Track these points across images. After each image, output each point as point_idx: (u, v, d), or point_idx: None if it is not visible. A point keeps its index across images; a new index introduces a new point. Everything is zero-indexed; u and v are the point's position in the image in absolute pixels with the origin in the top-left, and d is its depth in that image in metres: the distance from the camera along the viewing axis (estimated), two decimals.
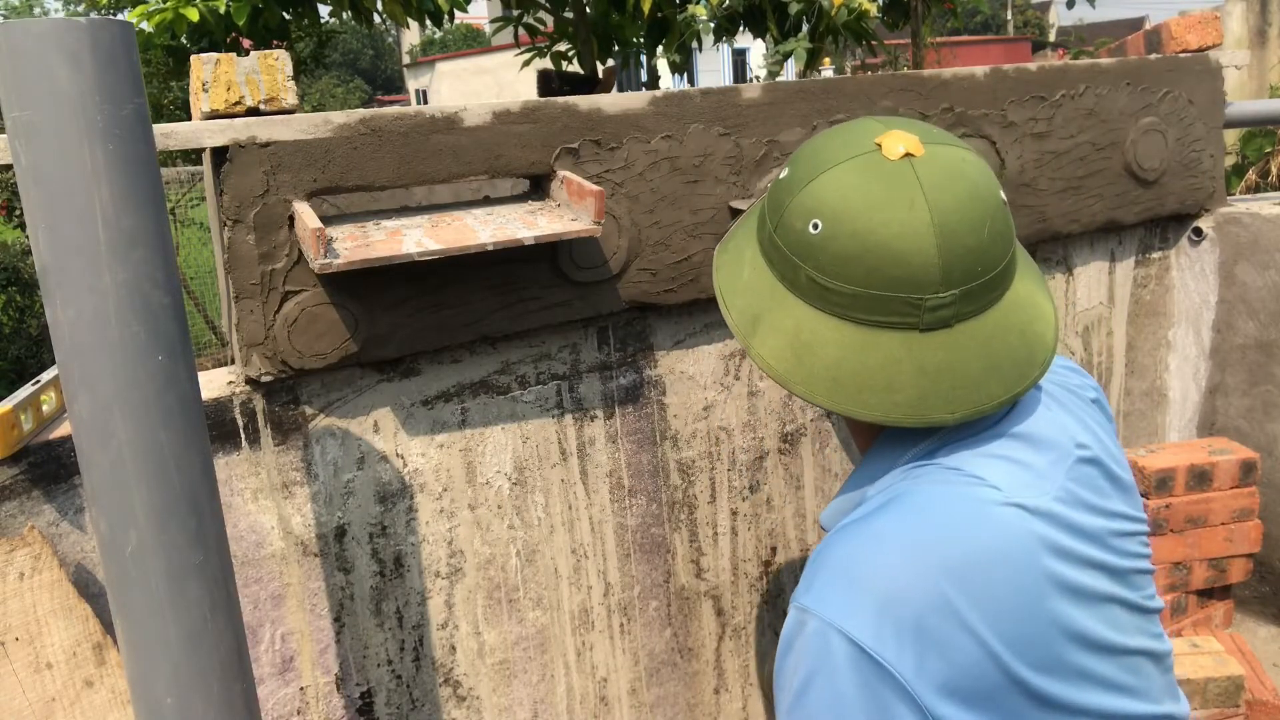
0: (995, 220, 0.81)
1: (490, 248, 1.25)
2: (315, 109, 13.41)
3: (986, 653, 0.72)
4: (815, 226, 0.81)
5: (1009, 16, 33.29)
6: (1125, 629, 0.81)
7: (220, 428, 1.31)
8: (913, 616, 0.71)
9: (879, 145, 0.81)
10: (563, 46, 5.96)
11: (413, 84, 27.67)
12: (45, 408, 1.24)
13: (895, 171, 0.80)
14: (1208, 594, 2.11)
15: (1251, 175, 5.29)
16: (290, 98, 1.28)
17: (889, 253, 0.78)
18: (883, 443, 0.88)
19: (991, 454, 0.82)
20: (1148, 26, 2.38)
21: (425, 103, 24.54)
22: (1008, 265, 0.83)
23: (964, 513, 0.77)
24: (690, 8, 5.20)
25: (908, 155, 0.80)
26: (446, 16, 5.32)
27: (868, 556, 0.76)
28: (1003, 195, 0.83)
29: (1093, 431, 0.89)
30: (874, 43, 5.85)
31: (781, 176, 0.88)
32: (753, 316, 0.87)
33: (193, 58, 1.24)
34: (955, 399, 0.80)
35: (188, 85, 1.45)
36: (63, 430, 1.23)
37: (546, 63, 6.04)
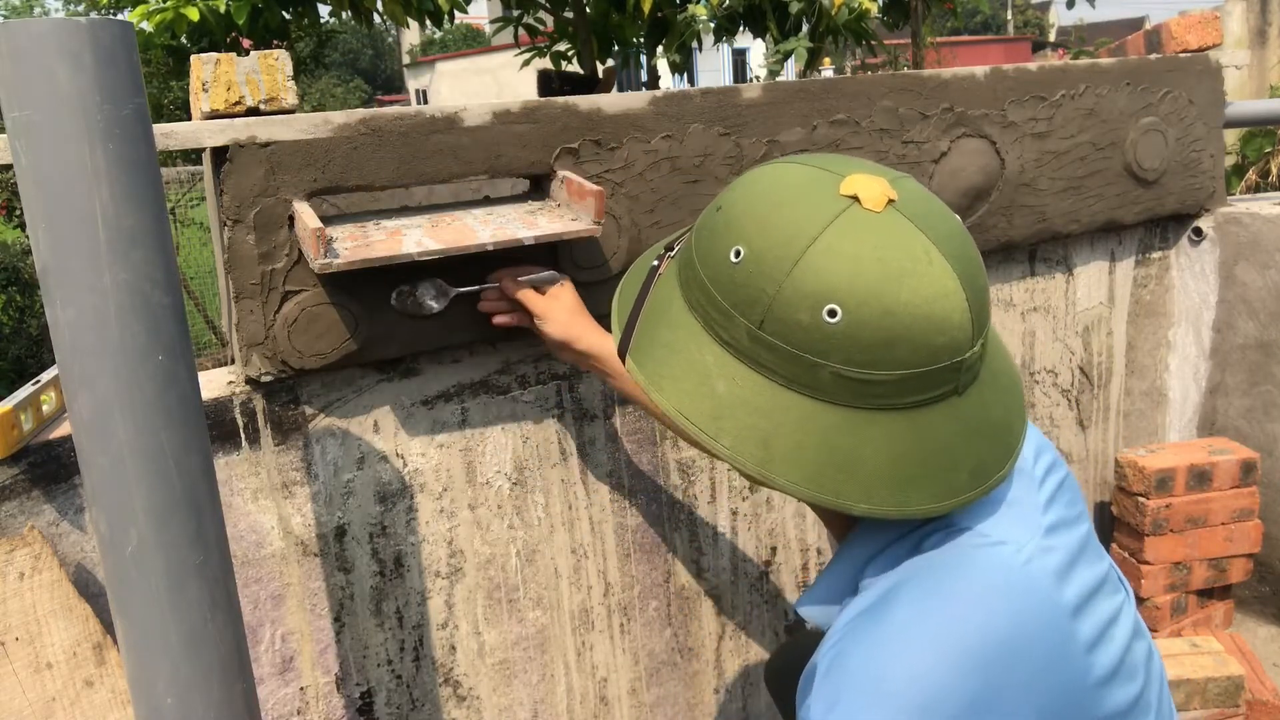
0: (976, 246, 0.74)
1: (490, 248, 1.25)
2: (315, 109, 13.41)
3: None
4: (832, 314, 0.67)
5: (1009, 16, 33.30)
6: (1141, 663, 0.78)
7: (220, 428, 1.31)
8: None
9: (856, 197, 0.69)
10: (563, 46, 5.97)
11: (413, 84, 27.66)
12: (45, 408, 1.24)
13: (891, 225, 0.69)
14: (1208, 594, 2.11)
15: (1251, 175, 5.29)
16: (290, 98, 1.28)
17: (929, 321, 0.67)
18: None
19: (991, 499, 0.75)
20: (1148, 26, 2.38)
21: (425, 103, 24.53)
22: None
23: (987, 589, 0.70)
24: (690, 8, 5.20)
25: (891, 202, 0.70)
26: (446, 16, 5.32)
27: (894, 660, 0.67)
28: None
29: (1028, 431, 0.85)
30: (874, 43, 5.86)
31: (735, 260, 0.71)
32: (760, 440, 0.70)
33: (193, 58, 1.24)
34: (1000, 450, 0.73)
35: (188, 85, 1.45)
36: (63, 430, 1.23)
37: (546, 63, 6.04)
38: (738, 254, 0.71)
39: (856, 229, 0.68)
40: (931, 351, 0.68)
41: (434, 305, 1.35)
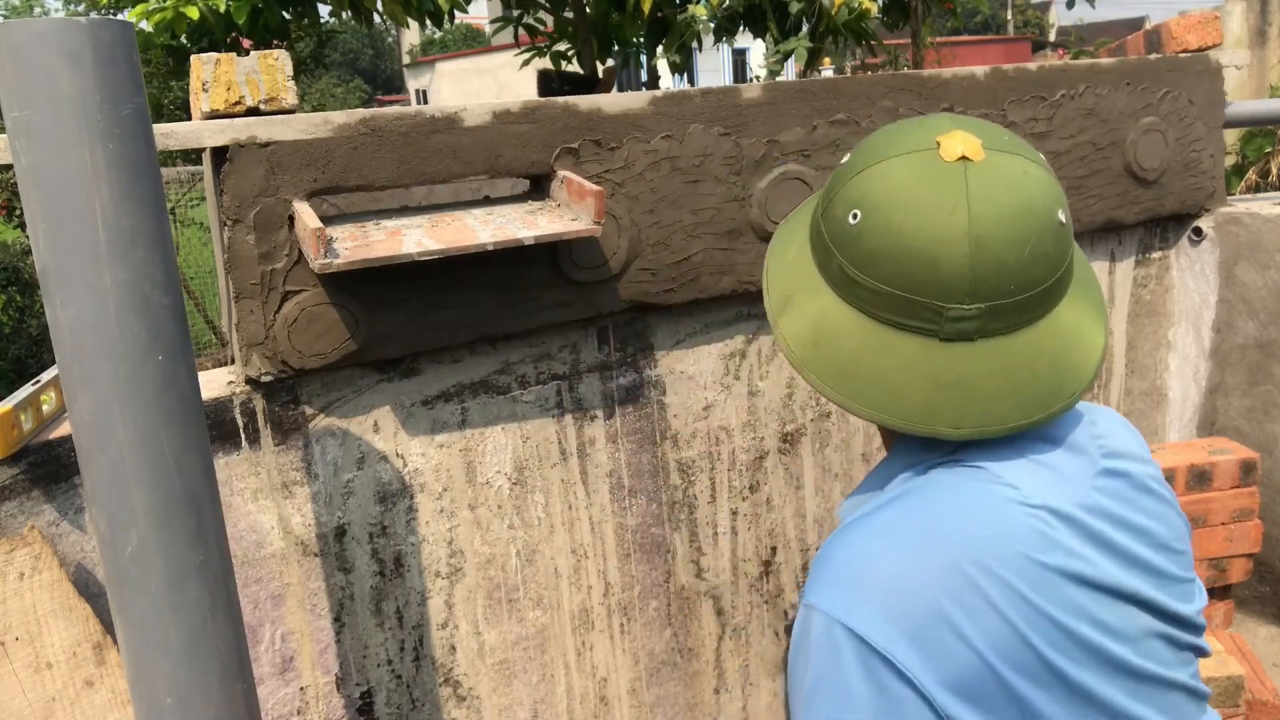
0: (1042, 240, 0.78)
1: (490, 248, 1.25)
2: (315, 109, 13.41)
3: (984, 663, 0.71)
4: (855, 217, 0.81)
5: (1009, 16, 33.29)
6: (1160, 660, 0.78)
7: (220, 428, 1.31)
8: (918, 616, 0.71)
9: (938, 144, 0.80)
10: (563, 46, 5.96)
11: (413, 84, 27.66)
12: (45, 408, 1.24)
13: (946, 173, 0.78)
14: (1208, 594, 2.10)
15: (1251, 175, 5.30)
16: (290, 98, 1.28)
17: (919, 255, 0.77)
18: (909, 439, 0.85)
19: (1019, 454, 0.80)
20: (1148, 26, 2.38)
21: (425, 103, 24.53)
22: (1051, 288, 0.80)
23: (975, 508, 0.76)
24: (690, 8, 5.20)
25: (964, 159, 0.78)
26: (446, 16, 5.32)
27: (873, 552, 0.76)
28: (1062, 217, 0.80)
29: (1128, 441, 0.88)
30: (874, 43, 5.86)
31: (843, 161, 0.87)
32: (785, 297, 0.88)
33: (193, 58, 1.24)
34: (964, 415, 0.79)
35: (188, 85, 1.45)
36: (63, 430, 1.23)
37: (546, 63, 6.04)
38: (846, 158, 0.86)
39: (916, 166, 0.79)
40: (913, 283, 0.78)
41: None
